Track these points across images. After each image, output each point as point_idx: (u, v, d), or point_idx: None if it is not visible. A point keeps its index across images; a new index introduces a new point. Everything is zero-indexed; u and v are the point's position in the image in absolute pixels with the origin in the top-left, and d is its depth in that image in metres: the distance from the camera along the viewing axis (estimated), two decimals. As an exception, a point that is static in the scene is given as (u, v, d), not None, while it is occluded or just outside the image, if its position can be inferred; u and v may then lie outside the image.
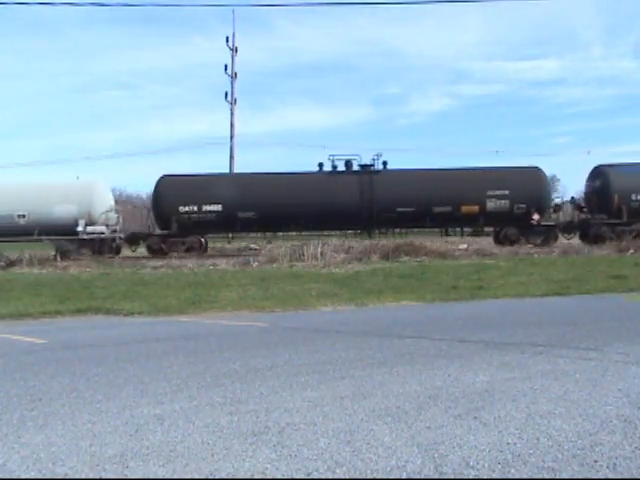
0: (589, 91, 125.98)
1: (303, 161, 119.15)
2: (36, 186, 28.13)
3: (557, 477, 3.18)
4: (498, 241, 28.09)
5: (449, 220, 28.06)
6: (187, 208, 26.94)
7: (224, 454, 3.60)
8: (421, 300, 12.16)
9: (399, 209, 27.10)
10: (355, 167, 28.07)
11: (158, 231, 27.87)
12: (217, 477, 3.29)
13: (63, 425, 4.27)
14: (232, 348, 7.23)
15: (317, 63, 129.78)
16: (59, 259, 24.54)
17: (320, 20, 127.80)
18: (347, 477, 3.25)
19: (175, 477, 3.31)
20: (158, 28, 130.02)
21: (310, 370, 5.79)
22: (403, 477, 3.23)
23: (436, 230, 30.13)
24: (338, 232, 29.16)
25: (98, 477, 3.33)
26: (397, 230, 28.81)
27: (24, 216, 26.43)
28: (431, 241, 26.90)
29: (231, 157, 40.68)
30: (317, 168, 28.41)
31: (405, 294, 12.87)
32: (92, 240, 26.52)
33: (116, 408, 4.66)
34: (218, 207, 26.96)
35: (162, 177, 28.06)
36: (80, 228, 26.43)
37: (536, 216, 27.56)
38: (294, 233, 28.84)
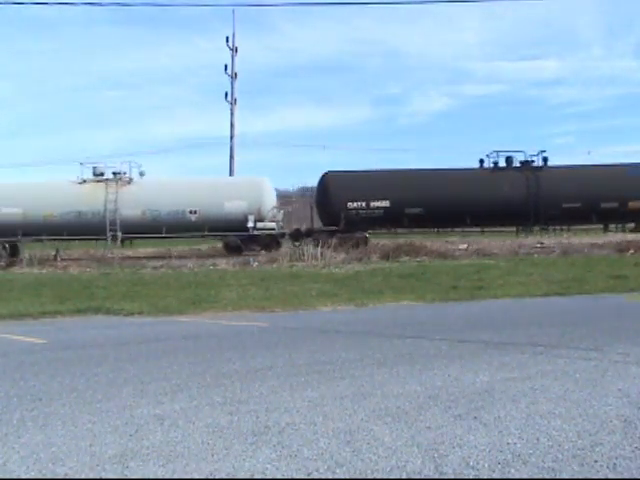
0: (589, 91, 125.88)
1: (304, 161, 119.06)
2: (207, 183, 28.18)
3: (557, 477, 3.18)
4: None
5: (614, 216, 27.79)
6: (355, 204, 26.79)
7: (224, 454, 3.60)
8: (421, 300, 12.16)
9: (565, 205, 26.81)
10: (515, 163, 28.00)
11: (320, 226, 27.76)
12: (217, 477, 3.29)
13: (63, 425, 4.26)
14: (232, 348, 7.23)
15: (317, 63, 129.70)
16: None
17: (320, 20, 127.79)
18: (347, 477, 3.25)
19: (175, 477, 3.30)
20: (158, 28, 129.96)
21: (310, 370, 5.79)
22: (403, 477, 3.23)
23: (597, 227, 29.67)
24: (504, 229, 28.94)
25: (98, 477, 3.33)
26: (558, 227, 28.48)
27: (195, 212, 26.33)
28: (431, 241, 26.91)
29: (231, 157, 40.67)
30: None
31: (405, 294, 12.87)
32: (260, 236, 26.57)
33: (116, 408, 4.66)
34: (386, 203, 26.81)
35: (327, 173, 27.87)
36: (250, 224, 26.38)
37: None
38: (458, 229, 28.66)
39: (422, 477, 3.22)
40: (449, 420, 4.12)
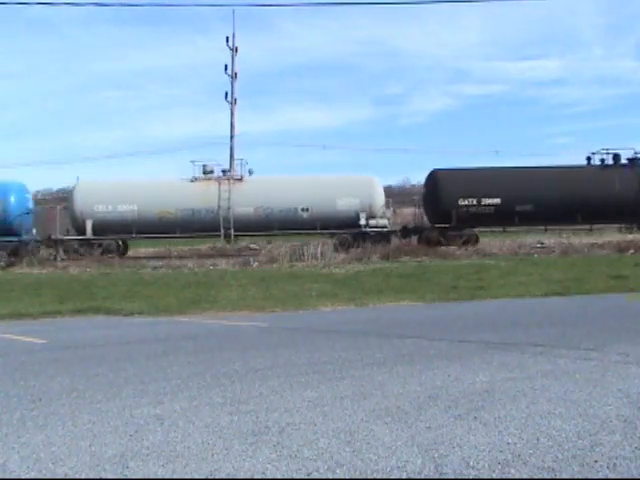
0: (589, 91, 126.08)
1: (304, 161, 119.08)
2: (318, 181, 28.33)
3: (557, 477, 3.18)
4: None
5: None
6: (466, 202, 27.00)
7: (224, 454, 3.60)
8: (421, 300, 12.16)
9: None
10: (622, 160, 27.98)
11: (429, 223, 27.90)
12: (217, 477, 3.29)
13: (63, 425, 4.26)
14: (232, 348, 7.23)
15: (317, 63, 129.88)
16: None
17: (320, 20, 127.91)
18: (347, 477, 3.25)
19: (175, 477, 3.30)
20: (158, 28, 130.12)
21: (310, 370, 5.79)
22: (403, 477, 3.23)
23: None
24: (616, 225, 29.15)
25: (98, 477, 3.33)
26: None
27: (307, 210, 26.60)
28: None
29: (231, 157, 40.67)
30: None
31: (405, 294, 12.88)
32: (371, 233, 26.59)
33: (116, 408, 4.66)
34: (497, 200, 26.97)
35: (436, 171, 27.99)
36: (362, 221, 26.62)
37: None
38: (569, 227, 28.65)
39: (422, 477, 3.22)
40: (449, 420, 4.12)
